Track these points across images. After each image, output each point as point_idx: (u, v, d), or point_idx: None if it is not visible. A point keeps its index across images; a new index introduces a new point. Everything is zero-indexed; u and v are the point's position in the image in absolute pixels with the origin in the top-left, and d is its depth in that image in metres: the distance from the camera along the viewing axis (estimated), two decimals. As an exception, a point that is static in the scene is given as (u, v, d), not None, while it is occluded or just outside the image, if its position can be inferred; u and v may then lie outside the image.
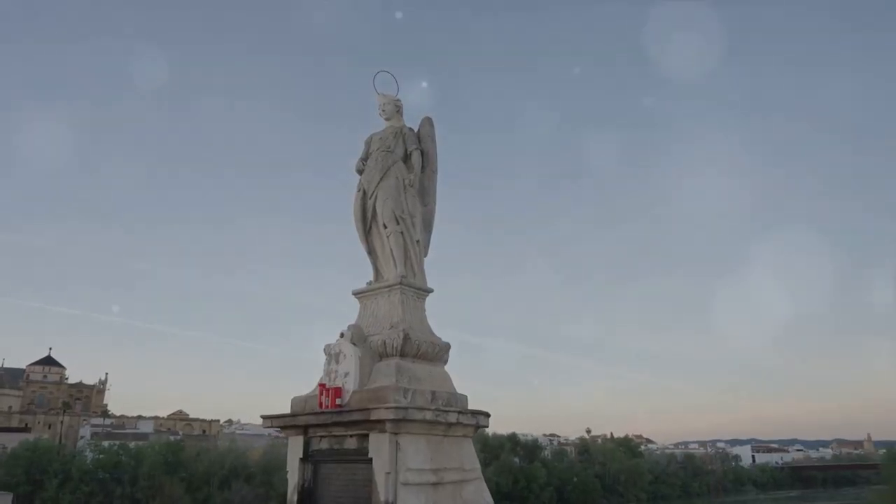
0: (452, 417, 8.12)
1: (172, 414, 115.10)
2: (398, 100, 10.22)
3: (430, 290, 9.42)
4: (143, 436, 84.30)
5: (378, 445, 7.62)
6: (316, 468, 8.47)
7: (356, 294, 9.51)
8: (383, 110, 10.12)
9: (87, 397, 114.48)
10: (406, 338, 8.41)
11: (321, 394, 8.34)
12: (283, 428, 8.93)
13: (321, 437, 8.46)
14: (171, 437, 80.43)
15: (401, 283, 8.98)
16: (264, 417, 9.05)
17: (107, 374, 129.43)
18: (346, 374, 8.40)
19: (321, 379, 8.72)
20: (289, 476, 8.64)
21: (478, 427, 8.62)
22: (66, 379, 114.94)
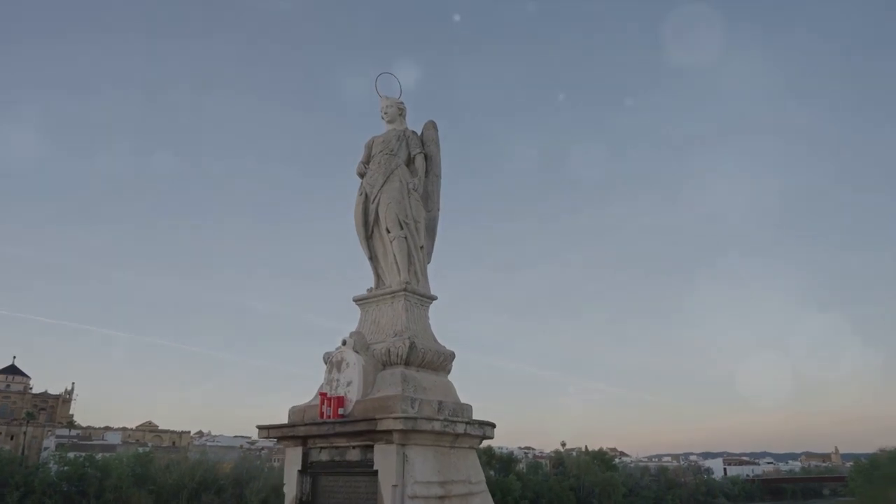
0: (460, 428, 7.87)
1: (141, 425, 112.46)
2: (401, 102, 10.02)
3: (433, 298, 9.19)
4: (111, 447, 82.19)
5: (384, 457, 7.33)
6: (315, 480, 8.14)
7: (357, 301, 9.23)
8: (385, 113, 9.91)
9: (53, 408, 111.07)
10: (412, 346, 8.16)
11: (322, 403, 8.04)
12: (281, 439, 8.59)
13: (321, 448, 8.15)
14: (140, 449, 78.42)
15: (405, 290, 8.74)
16: (261, 428, 8.69)
17: (73, 384, 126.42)
18: (349, 383, 8.11)
19: (321, 388, 8.42)
20: (286, 489, 8.30)
21: (483, 438, 8.38)
22: (31, 389, 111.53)
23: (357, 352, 8.25)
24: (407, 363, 8.20)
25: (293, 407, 8.71)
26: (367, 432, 7.49)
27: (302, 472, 8.19)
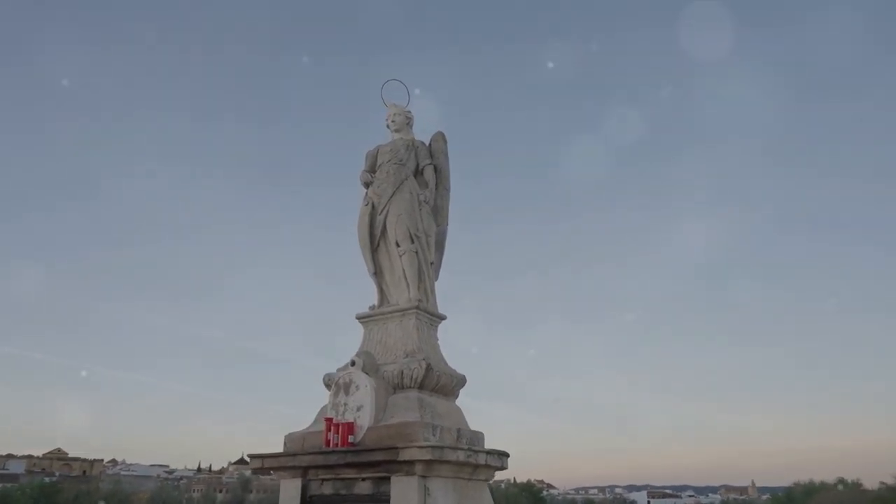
0: (482, 459, 7.30)
1: (49, 453, 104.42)
2: (409, 111, 9.53)
3: (443, 317, 8.63)
4: (13, 477, 75.95)
5: (404, 491, 6.66)
6: (315, 516, 7.35)
7: (361, 319, 8.56)
8: (393, 121, 9.38)
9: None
10: (429, 368, 7.55)
11: (328, 430, 7.29)
12: (276, 469, 7.74)
13: (323, 479, 7.38)
14: (46, 479, 72.71)
15: (417, 308, 8.15)
16: (252, 457, 7.84)
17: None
18: (359, 408, 7.41)
19: (326, 412, 7.67)
20: (281, 526, 7.47)
21: (499, 469, 7.81)
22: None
23: (367, 373, 7.58)
24: (421, 387, 7.59)
25: (290, 434, 7.91)
26: (384, 463, 6.81)
27: (300, 507, 7.38)
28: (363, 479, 7.10)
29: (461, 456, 6.94)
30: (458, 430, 7.44)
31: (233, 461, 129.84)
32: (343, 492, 7.20)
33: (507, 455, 7.78)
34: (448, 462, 6.78)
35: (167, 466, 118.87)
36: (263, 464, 7.75)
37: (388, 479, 6.84)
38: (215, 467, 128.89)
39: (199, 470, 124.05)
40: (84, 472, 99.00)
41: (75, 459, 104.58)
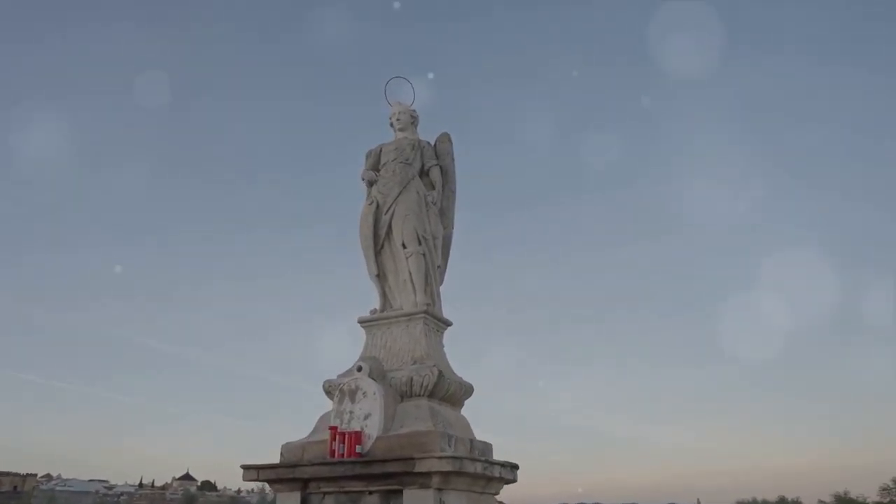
0: (496, 471, 6.96)
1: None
2: (414, 110, 9.22)
3: (449, 323, 8.28)
4: (-62, 492, 71.36)
5: (418, 504, 6.26)
6: (316, 533, 6.87)
7: (363, 323, 8.14)
8: (398, 119, 9.06)
9: None
10: (441, 376, 7.19)
11: (334, 439, 6.84)
12: (273, 482, 7.21)
13: (325, 493, 6.91)
14: (-25, 494, 68.66)
15: (425, 313, 7.79)
16: (247, 468, 7.29)
17: None
18: (367, 417, 6.98)
19: (328, 420, 7.20)
20: (277, 542, 6.95)
21: (510, 482, 7.47)
22: None
23: (375, 380, 7.16)
24: (431, 395, 7.22)
25: (287, 443, 7.41)
26: (398, 475, 6.40)
27: (300, 522, 6.89)
28: (370, 493, 6.66)
29: (478, 468, 6.59)
30: (471, 441, 7.09)
31: (177, 476, 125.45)
32: (348, 506, 6.75)
33: (518, 467, 7.46)
34: (465, 474, 6.42)
35: (107, 482, 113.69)
36: (259, 476, 7.22)
37: (400, 492, 6.43)
38: (158, 483, 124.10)
39: (140, 485, 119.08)
40: (15, 487, 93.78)
41: (6, 474, 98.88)
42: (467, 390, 7.82)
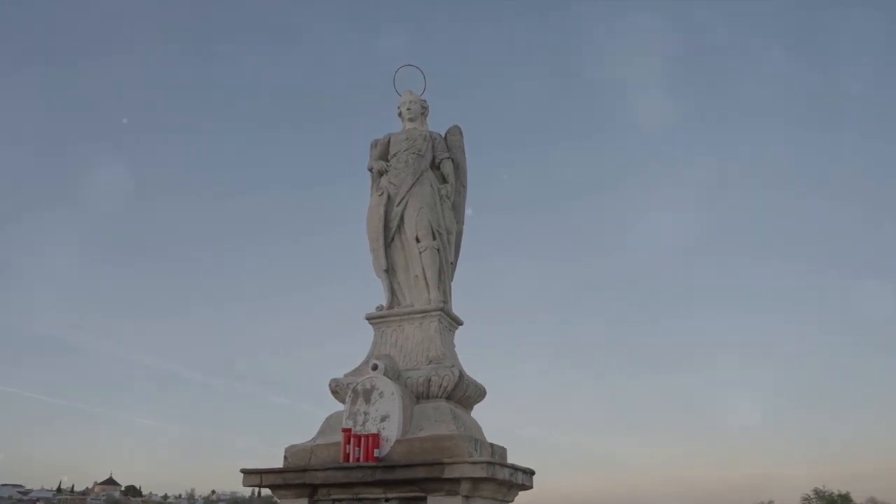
0: (519, 477, 6.64)
1: None
2: (424, 100, 8.85)
3: (461, 322, 7.94)
4: None
5: (446, 513, 5.88)
6: (325, 543, 6.39)
7: (371, 319, 7.71)
8: (409, 109, 8.65)
9: None
10: (461, 377, 6.85)
11: (348, 442, 6.38)
12: (278, 487, 6.68)
13: (336, 499, 6.45)
14: None
15: (441, 311, 7.43)
16: (248, 472, 6.74)
17: None
18: (385, 418, 6.55)
19: (340, 422, 6.73)
20: (281, 553, 6.43)
21: (526, 489, 7.18)
22: None
23: (391, 379, 6.74)
24: (449, 397, 6.86)
25: (292, 446, 6.90)
26: (421, 481, 6.01)
27: (307, 532, 6.39)
28: (388, 500, 6.24)
29: (506, 474, 6.27)
30: (492, 446, 6.77)
31: (99, 481, 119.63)
32: (361, 514, 6.30)
33: (534, 473, 7.18)
34: (494, 481, 6.09)
35: (22, 486, 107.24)
36: (263, 480, 6.69)
37: (423, 499, 6.05)
38: (78, 488, 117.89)
39: (59, 490, 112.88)
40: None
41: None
42: (481, 393, 7.49)
